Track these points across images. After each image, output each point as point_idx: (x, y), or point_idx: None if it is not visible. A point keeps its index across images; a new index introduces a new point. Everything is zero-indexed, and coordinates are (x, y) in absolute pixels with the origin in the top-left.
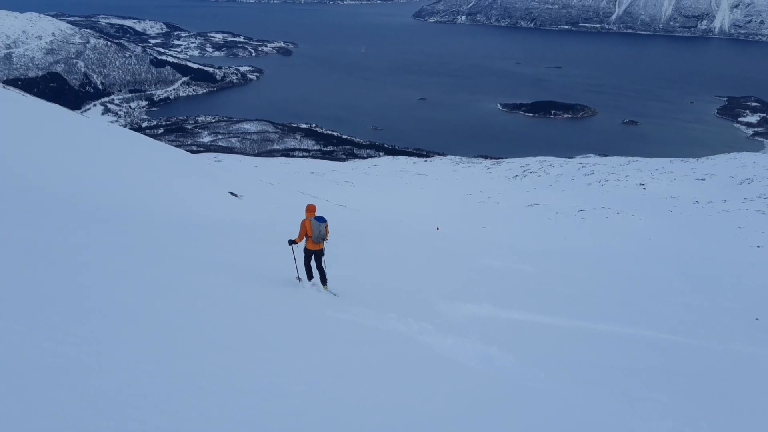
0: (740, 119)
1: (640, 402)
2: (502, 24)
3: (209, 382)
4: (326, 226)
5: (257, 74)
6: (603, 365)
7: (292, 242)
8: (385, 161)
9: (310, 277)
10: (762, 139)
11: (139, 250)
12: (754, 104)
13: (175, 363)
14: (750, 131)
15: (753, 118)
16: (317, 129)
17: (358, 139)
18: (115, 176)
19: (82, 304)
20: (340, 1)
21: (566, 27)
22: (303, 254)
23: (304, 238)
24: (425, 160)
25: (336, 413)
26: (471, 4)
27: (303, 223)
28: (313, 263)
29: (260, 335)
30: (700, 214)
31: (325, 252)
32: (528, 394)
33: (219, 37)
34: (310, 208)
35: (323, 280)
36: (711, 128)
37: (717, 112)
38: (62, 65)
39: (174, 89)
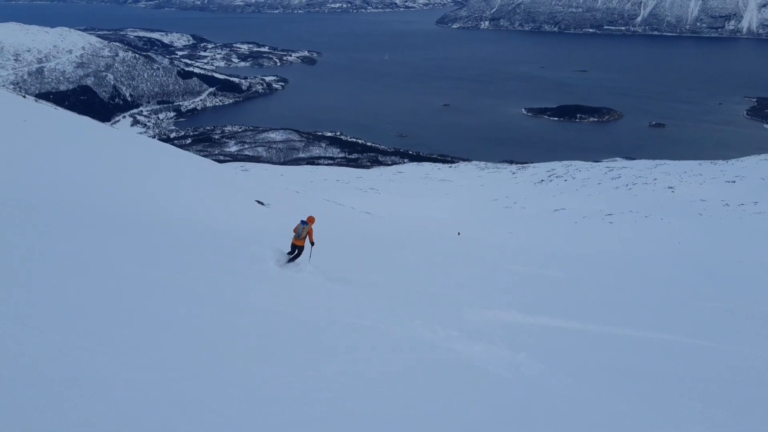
0: None
1: (671, 409)
2: (526, 28)
3: (237, 390)
4: (306, 228)
5: (282, 84)
6: (633, 371)
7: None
8: (410, 168)
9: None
10: None
11: (166, 259)
12: None
13: (201, 371)
14: None
15: None
16: (342, 137)
17: (382, 146)
18: (144, 186)
19: (116, 314)
20: (363, 10)
21: (591, 30)
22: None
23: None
24: (450, 166)
25: (364, 422)
26: (494, 9)
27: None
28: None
29: (285, 342)
30: (730, 217)
31: (306, 251)
32: (558, 402)
33: (244, 48)
34: (310, 219)
35: (290, 261)
36: (740, 130)
37: (746, 114)
38: (92, 78)
39: (201, 100)
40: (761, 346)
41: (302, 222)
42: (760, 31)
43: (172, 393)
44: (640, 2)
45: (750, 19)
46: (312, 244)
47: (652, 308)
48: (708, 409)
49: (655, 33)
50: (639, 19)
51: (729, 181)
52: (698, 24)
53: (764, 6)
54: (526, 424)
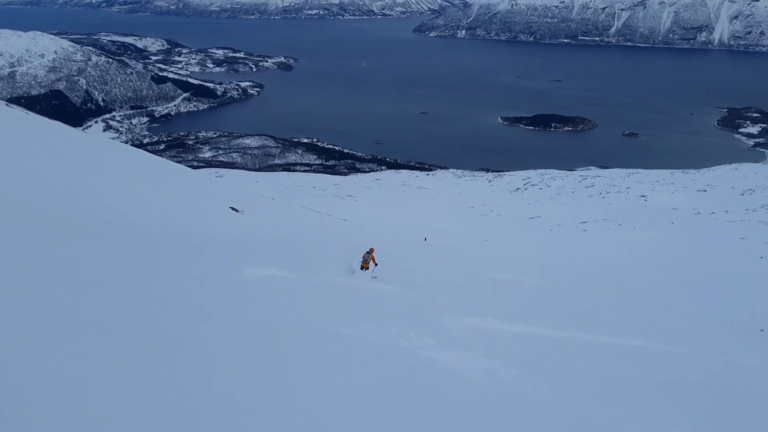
0: (741, 130)
1: (646, 415)
2: (502, 38)
3: (210, 401)
4: (369, 256)
5: (258, 89)
6: (608, 378)
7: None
8: (388, 175)
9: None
10: (763, 150)
11: (138, 266)
12: (754, 115)
13: (172, 380)
14: (751, 142)
15: (754, 129)
16: (319, 143)
17: (360, 153)
18: (115, 192)
19: (87, 322)
20: (340, 17)
21: (566, 40)
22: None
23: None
24: (427, 174)
25: (337, 430)
26: (471, 18)
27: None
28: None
29: (258, 350)
30: (702, 226)
31: (371, 269)
32: (531, 409)
33: (220, 53)
34: (372, 251)
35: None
36: (711, 139)
37: (717, 123)
38: (64, 83)
39: (175, 105)
40: (735, 352)
41: (366, 252)
42: (731, 42)
43: (143, 402)
44: (614, 14)
45: (721, 31)
46: (375, 264)
47: (627, 315)
48: (684, 416)
49: (629, 44)
50: (613, 30)
51: (700, 190)
52: (671, 35)
53: (735, 18)
54: (496, 427)
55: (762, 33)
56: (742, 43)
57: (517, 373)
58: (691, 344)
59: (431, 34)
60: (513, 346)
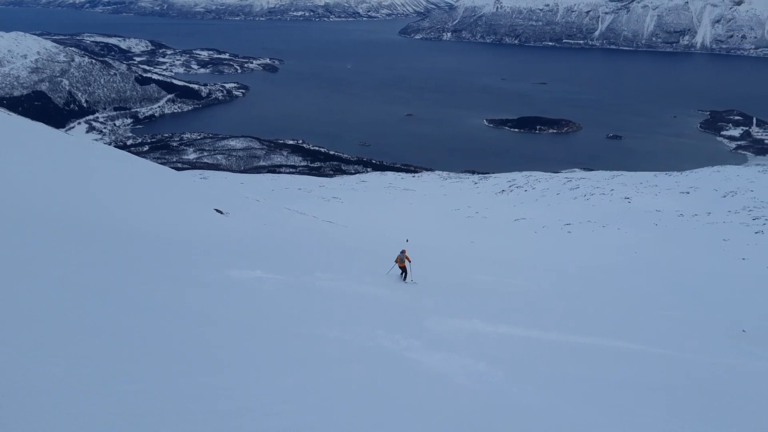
0: (723, 133)
1: (630, 416)
2: (487, 41)
3: (192, 402)
4: (403, 255)
5: (243, 91)
6: (593, 380)
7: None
8: (373, 177)
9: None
10: (745, 153)
11: (121, 268)
12: (736, 118)
13: (154, 384)
14: (733, 144)
15: (735, 132)
16: (304, 145)
17: (345, 155)
18: (98, 194)
19: (68, 323)
20: (325, 18)
21: (550, 43)
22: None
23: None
24: (413, 176)
25: None
26: (456, 21)
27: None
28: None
29: (242, 353)
30: (685, 227)
31: (407, 269)
32: (517, 410)
33: (204, 55)
34: (404, 251)
35: (404, 278)
36: (694, 142)
37: (700, 126)
38: (47, 84)
39: (159, 106)
40: (718, 353)
41: (401, 252)
42: (713, 46)
43: (124, 405)
44: (598, 17)
45: (704, 35)
46: (409, 261)
47: (611, 317)
48: (667, 416)
49: (613, 47)
50: (597, 33)
51: (683, 192)
52: (654, 39)
53: (717, 22)
54: (482, 428)
55: (743, 37)
56: (724, 46)
57: (503, 375)
58: (675, 345)
59: (417, 37)
60: (499, 347)
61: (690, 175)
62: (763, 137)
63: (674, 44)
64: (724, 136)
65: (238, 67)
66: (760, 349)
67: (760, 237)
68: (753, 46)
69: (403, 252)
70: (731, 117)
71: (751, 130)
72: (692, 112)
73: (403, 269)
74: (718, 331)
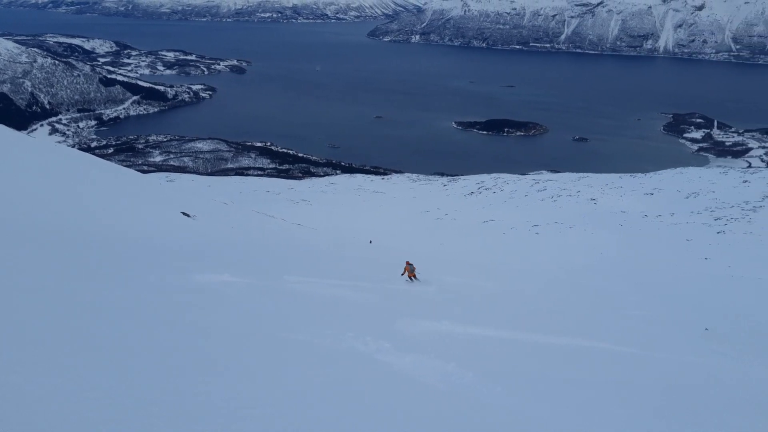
0: (685, 135)
1: (597, 415)
2: (455, 43)
3: (156, 408)
4: (410, 269)
5: (210, 92)
6: (561, 379)
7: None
8: (342, 179)
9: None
10: (706, 154)
11: (86, 272)
12: (698, 120)
13: (119, 388)
14: (695, 147)
15: (697, 134)
16: (272, 147)
17: (314, 157)
18: (61, 198)
19: (22, 329)
20: (293, 20)
21: (517, 47)
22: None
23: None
24: (382, 178)
25: None
26: (424, 24)
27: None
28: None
29: (210, 359)
30: (649, 228)
31: (414, 277)
32: (486, 410)
33: (170, 56)
34: (408, 263)
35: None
36: (658, 144)
37: (663, 129)
38: (8, 85)
39: (124, 108)
40: (682, 351)
41: (409, 263)
42: (676, 50)
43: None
44: (564, 21)
45: (666, 39)
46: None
47: (579, 316)
48: (634, 413)
49: (578, 51)
50: (563, 37)
51: (647, 194)
52: (618, 43)
53: (679, 27)
54: (451, 429)
55: (704, 41)
56: (685, 50)
57: (473, 376)
58: (641, 344)
59: (385, 39)
60: (468, 348)
61: (654, 177)
62: (723, 139)
63: (638, 48)
64: (686, 139)
65: (204, 69)
66: (723, 346)
67: (722, 237)
68: (714, 51)
69: (409, 263)
70: (693, 120)
71: (712, 132)
72: (655, 115)
73: (412, 276)
74: (682, 329)
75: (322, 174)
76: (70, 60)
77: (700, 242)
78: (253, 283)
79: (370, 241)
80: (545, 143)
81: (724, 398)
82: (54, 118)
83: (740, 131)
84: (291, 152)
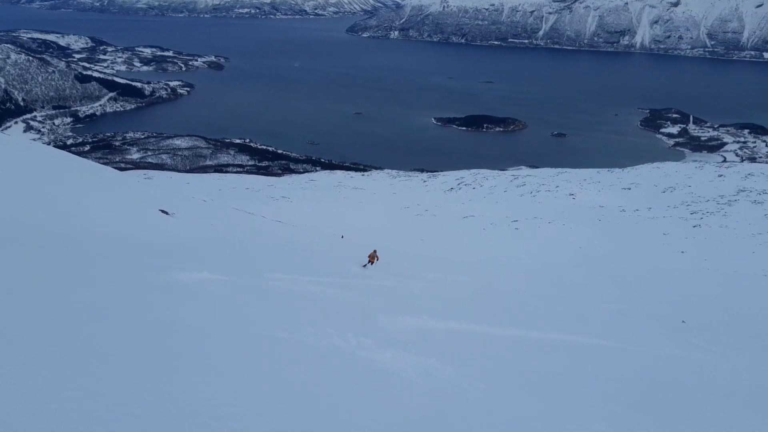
0: (662, 130)
1: (575, 408)
2: (434, 39)
3: (129, 408)
4: (374, 254)
5: (188, 89)
6: (540, 373)
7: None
8: (322, 176)
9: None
10: (683, 149)
11: (63, 272)
12: (674, 116)
13: (95, 388)
14: (671, 141)
15: (674, 129)
16: (251, 144)
17: (293, 154)
18: (36, 196)
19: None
20: (272, 16)
21: (496, 43)
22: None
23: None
24: (362, 174)
25: None
26: (403, 19)
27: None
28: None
29: (190, 357)
30: (627, 222)
31: (374, 263)
32: (467, 405)
33: (147, 52)
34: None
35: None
36: (635, 139)
37: (640, 124)
38: None
39: (100, 105)
40: (659, 344)
41: (375, 251)
42: (652, 46)
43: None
44: (542, 17)
45: (643, 35)
46: (377, 259)
47: (558, 311)
48: (610, 406)
49: (556, 47)
50: (541, 33)
51: (625, 188)
52: (595, 39)
53: (655, 23)
54: (434, 427)
55: (680, 37)
56: (662, 46)
57: (453, 371)
58: (618, 337)
59: (364, 35)
60: (448, 343)
61: (631, 172)
62: (699, 134)
63: (615, 44)
64: (663, 134)
65: (182, 65)
66: (699, 339)
67: (698, 231)
68: (689, 47)
69: (374, 251)
70: (669, 115)
71: (688, 127)
72: (632, 111)
73: (370, 263)
74: (659, 322)
75: (301, 171)
76: (44, 56)
77: (676, 236)
78: (233, 280)
79: (342, 236)
80: (524, 139)
81: (702, 389)
82: (29, 115)
83: (715, 126)
84: (270, 149)
